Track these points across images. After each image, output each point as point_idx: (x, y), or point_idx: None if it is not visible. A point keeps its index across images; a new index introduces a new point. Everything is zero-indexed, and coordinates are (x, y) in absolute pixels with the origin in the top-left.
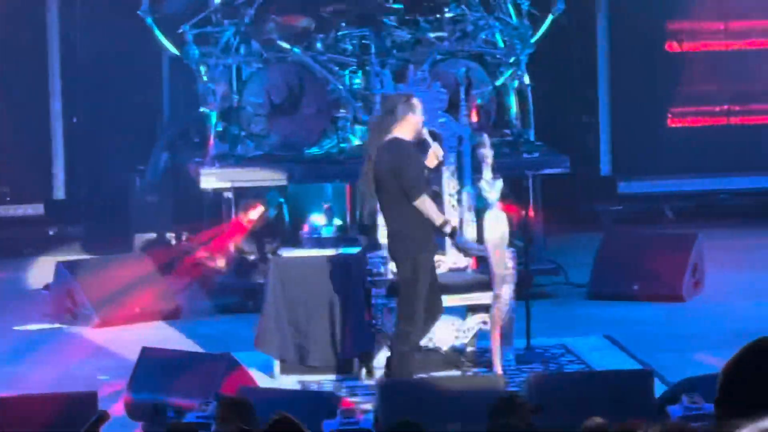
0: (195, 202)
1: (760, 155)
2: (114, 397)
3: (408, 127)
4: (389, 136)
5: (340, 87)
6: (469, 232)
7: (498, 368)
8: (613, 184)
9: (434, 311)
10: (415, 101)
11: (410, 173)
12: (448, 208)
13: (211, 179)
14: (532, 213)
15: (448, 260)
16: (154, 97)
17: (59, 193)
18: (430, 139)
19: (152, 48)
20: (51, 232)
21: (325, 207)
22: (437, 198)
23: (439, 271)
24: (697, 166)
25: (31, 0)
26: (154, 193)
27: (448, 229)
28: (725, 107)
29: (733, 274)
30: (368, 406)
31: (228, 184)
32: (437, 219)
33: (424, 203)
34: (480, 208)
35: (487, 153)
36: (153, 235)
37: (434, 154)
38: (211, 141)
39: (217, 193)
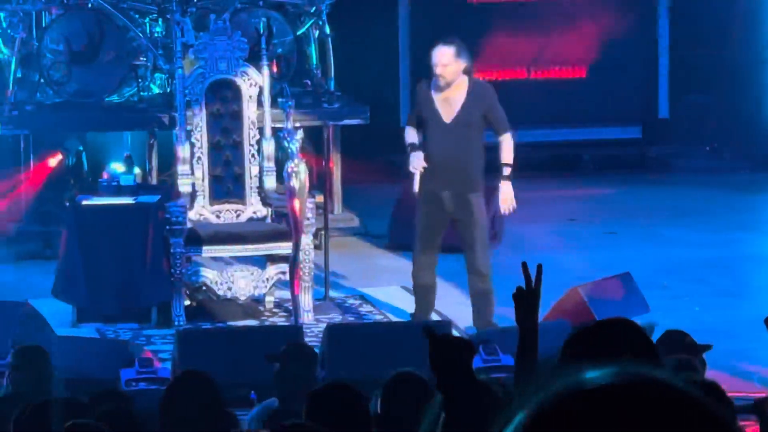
0: None
1: (556, 108)
2: None
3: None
4: None
5: (141, 35)
6: (270, 182)
7: (297, 318)
8: None
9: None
10: (433, 50)
11: None
12: (248, 158)
13: (9, 126)
14: (332, 163)
15: (248, 209)
16: None
17: None
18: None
19: None
20: None
21: (125, 155)
22: (237, 147)
23: (238, 219)
24: None
25: None
26: None
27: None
28: (527, 61)
29: (529, 225)
30: (166, 355)
31: (26, 131)
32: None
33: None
34: (281, 158)
35: (288, 103)
36: None
37: None
38: (10, 88)
39: (16, 139)
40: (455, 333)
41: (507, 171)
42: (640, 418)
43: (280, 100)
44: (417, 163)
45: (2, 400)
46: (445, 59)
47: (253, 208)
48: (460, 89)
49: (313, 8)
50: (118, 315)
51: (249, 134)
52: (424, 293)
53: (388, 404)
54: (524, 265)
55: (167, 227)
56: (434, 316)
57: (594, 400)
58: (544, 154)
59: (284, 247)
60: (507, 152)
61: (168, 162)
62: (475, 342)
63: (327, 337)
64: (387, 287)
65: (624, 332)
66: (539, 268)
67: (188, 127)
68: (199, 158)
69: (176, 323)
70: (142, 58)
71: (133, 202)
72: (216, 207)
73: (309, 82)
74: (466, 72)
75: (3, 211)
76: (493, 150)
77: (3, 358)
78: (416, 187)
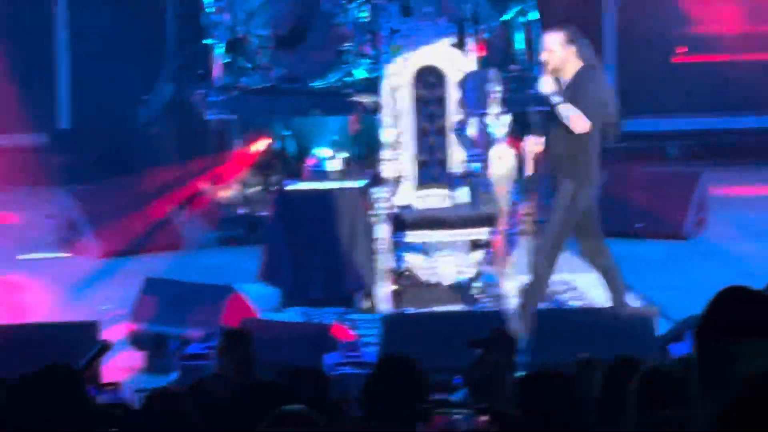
0: (199, 134)
1: (766, 94)
2: (116, 327)
3: None
4: None
5: (347, 19)
6: (475, 168)
7: (501, 304)
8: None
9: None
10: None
11: None
12: (454, 143)
13: (216, 111)
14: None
15: (453, 195)
16: (159, 28)
17: (64, 122)
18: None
19: None
20: (56, 162)
21: (330, 140)
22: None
23: (443, 205)
24: (702, 104)
25: None
26: (159, 124)
27: None
28: (732, 45)
29: (736, 213)
30: (371, 340)
31: (233, 116)
32: None
33: None
34: (487, 143)
35: (495, 88)
36: (158, 166)
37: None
38: (217, 72)
39: (222, 124)
40: (658, 320)
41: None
42: None
43: (486, 85)
44: (527, 145)
45: (208, 381)
46: (552, 45)
47: (458, 193)
48: (568, 77)
49: None
50: (323, 299)
51: (454, 119)
52: (605, 278)
53: (608, 388)
54: None
55: (372, 212)
56: (638, 302)
57: None
58: (756, 141)
59: (489, 233)
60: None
61: (373, 147)
62: (681, 328)
63: (532, 323)
64: (591, 273)
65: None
66: None
67: (394, 113)
68: (404, 143)
69: (381, 308)
70: (347, 44)
71: (339, 187)
72: (421, 192)
73: (516, 67)
74: (586, 60)
75: (209, 195)
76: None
77: (209, 340)
78: (527, 171)
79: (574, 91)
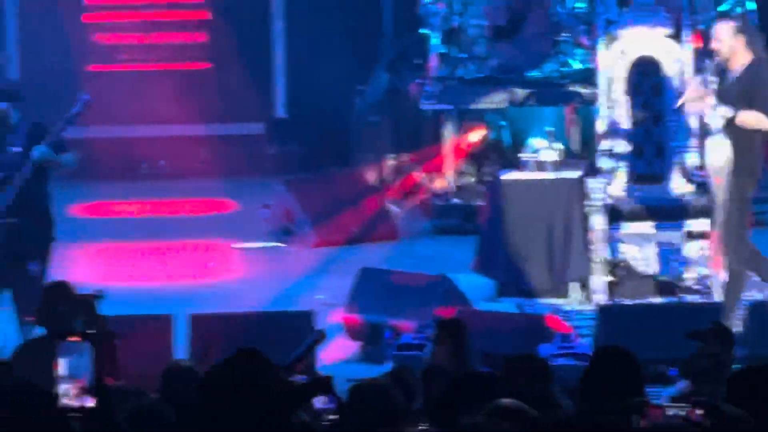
0: (415, 124)
1: None
2: (331, 317)
3: None
4: None
5: (563, 10)
6: (691, 159)
7: (715, 296)
8: None
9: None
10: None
11: None
12: (670, 134)
13: (432, 101)
14: None
15: (669, 185)
16: (375, 19)
17: (280, 112)
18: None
19: None
20: (272, 151)
21: (546, 130)
22: None
23: (659, 195)
24: None
25: None
26: (375, 114)
27: None
28: None
29: None
30: (585, 331)
31: (449, 106)
32: None
33: None
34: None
35: (711, 78)
36: (373, 156)
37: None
38: (432, 63)
39: (438, 114)
40: None
41: (727, 110)
42: None
43: (701, 75)
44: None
45: (424, 372)
46: (721, 35)
47: (674, 184)
48: (738, 67)
49: None
50: (537, 290)
51: (671, 110)
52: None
53: None
54: None
55: (587, 203)
56: None
57: None
58: None
59: (705, 224)
60: (747, 112)
61: (589, 137)
62: None
63: (749, 315)
64: None
65: None
66: None
67: (609, 103)
68: (620, 134)
69: (596, 299)
70: (564, 34)
71: (554, 177)
72: (636, 183)
73: None
74: (755, 52)
75: (424, 185)
76: None
77: (423, 331)
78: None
79: (747, 88)
